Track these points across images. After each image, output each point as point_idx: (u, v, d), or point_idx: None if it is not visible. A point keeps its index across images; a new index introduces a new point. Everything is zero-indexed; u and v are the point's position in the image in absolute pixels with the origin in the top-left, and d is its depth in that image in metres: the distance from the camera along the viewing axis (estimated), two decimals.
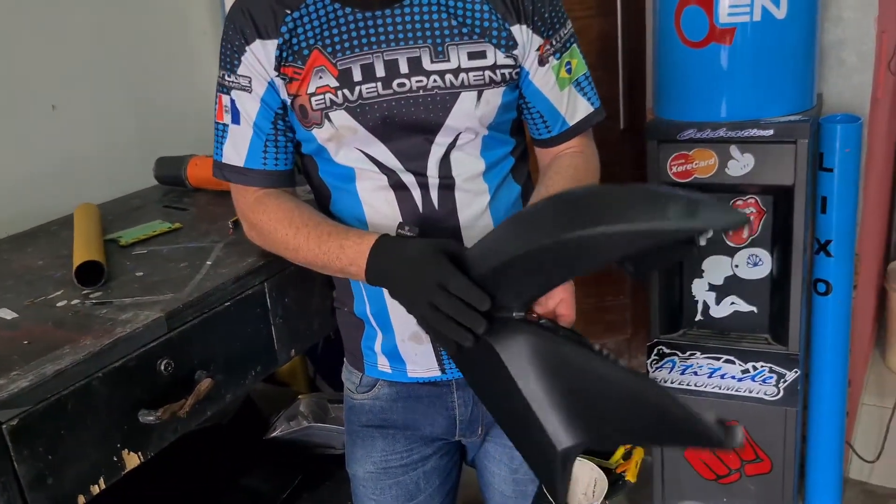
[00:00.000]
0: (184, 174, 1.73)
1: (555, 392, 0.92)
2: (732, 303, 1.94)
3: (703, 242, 0.88)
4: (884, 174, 2.37)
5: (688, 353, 1.97)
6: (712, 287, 1.94)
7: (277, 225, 1.16)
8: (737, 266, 1.90)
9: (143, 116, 1.87)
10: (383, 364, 1.24)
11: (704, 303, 1.96)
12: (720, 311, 1.95)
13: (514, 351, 0.94)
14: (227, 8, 1.89)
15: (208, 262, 1.31)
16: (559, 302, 1.00)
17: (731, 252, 1.89)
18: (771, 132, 1.72)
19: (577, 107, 1.20)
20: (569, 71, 1.18)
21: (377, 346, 1.23)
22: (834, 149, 1.78)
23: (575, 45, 1.18)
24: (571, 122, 1.20)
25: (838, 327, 1.94)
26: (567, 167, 1.19)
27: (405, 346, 1.20)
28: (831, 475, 2.10)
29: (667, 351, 1.99)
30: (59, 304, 1.18)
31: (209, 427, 1.76)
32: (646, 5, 2.20)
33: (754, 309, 1.93)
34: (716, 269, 1.91)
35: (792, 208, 1.77)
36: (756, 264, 1.88)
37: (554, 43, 1.15)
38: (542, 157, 1.25)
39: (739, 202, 1.85)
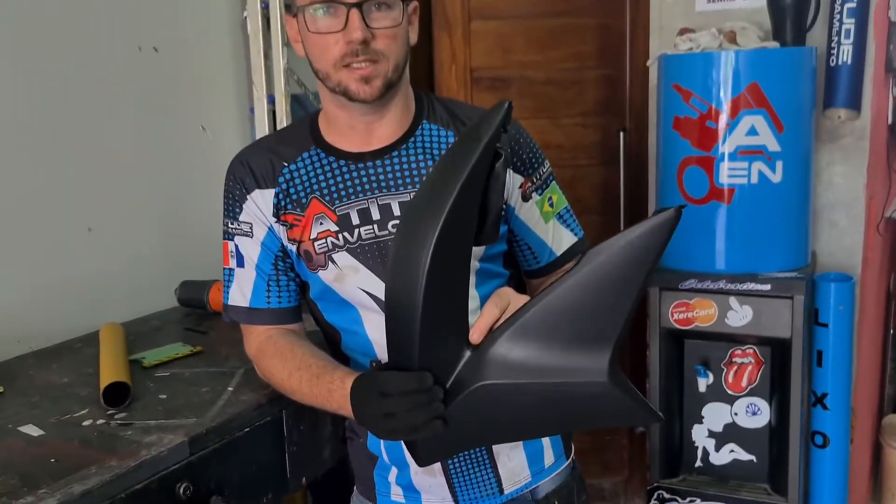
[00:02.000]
0: (205, 298, 1.80)
1: (555, 348, 0.91)
2: (732, 451, 1.97)
3: None
4: (876, 331, 2.45)
5: (688, 499, 1.97)
6: (712, 434, 1.97)
7: (274, 370, 1.23)
8: (736, 414, 1.94)
9: (170, 241, 1.96)
10: (397, 494, 1.26)
11: (704, 449, 1.99)
12: (720, 458, 1.98)
13: (499, 367, 0.92)
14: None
15: (230, 388, 1.36)
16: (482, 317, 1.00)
17: (730, 400, 1.93)
18: (768, 287, 1.80)
19: (562, 238, 1.29)
20: (551, 205, 1.27)
21: (391, 477, 1.26)
22: (829, 305, 1.86)
23: (554, 181, 1.29)
24: (558, 253, 1.28)
25: (836, 481, 1.96)
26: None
27: (419, 479, 1.23)
28: None
29: (667, 496, 1.99)
30: (85, 423, 1.22)
31: None
32: (648, 159, 2.34)
33: (753, 458, 1.96)
34: (715, 416, 1.95)
35: (789, 360, 1.83)
36: (755, 413, 1.92)
37: (535, 180, 1.25)
38: (531, 289, 1.32)
39: (738, 351, 1.91)
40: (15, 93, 1.60)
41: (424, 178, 1.21)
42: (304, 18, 1.14)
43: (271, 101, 2.05)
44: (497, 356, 0.93)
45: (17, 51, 1.60)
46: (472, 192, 0.91)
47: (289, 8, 1.23)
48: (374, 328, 1.24)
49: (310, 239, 1.21)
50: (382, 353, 1.24)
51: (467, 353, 0.95)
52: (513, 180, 1.23)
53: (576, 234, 1.30)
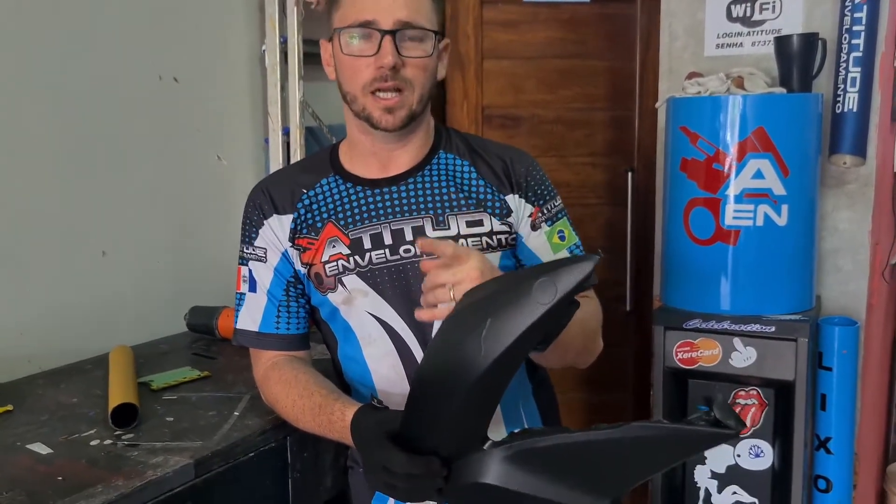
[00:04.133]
0: (214, 324, 1.82)
1: (562, 478, 0.95)
2: (734, 492, 1.95)
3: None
4: (881, 377, 2.44)
5: None
6: (714, 475, 1.96)
7: (279, 396, 1.25)
8: (738, 455, 1.93)
9: (181, 266, 1.99)
10: None
11: (706, 490, 1.98)
12: (722, 500, 1.96)
13: (505, 473, 0.96)
14: (271, 171, 2.06)
15: (236, 413, 1.37)
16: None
17: (733, 441, 1.93)
18: (773, 329, 1.81)
19: None
20: (562, 238, 1.30)
21: None
22: (833, 349, 1.87)
23: (565, 218, 1.31)
24: None
25: None
26: None
27: None
28: None
29: None
30: (93, 443, 1.24)
31: None
32: (656, 199, 2.37)
33: (756, 501, 1.94)
34: (718, 457, 1.95)
35: (793, 403, 1.83)
36: (758, 455, 1.91)
37: (545, 212, 1.28)
38: None
39: (742, 392, 1.91)
40: (36, 116, 1.64)
41: (438, 204, 1.23)
42: (339, 41, 1.19)
43: (286, 132, 2.09)
44: (508, 463, 0.96)
45: (38, 74, 1.64)
46: (538, 329, 0.90)
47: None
48: (373, 354, 1.26)
49: (321, 262, 1.24)
50: (379, 381, 1.27)
51: (482, 448, 0.98)
52: (523, 210, 1.26)
53: None
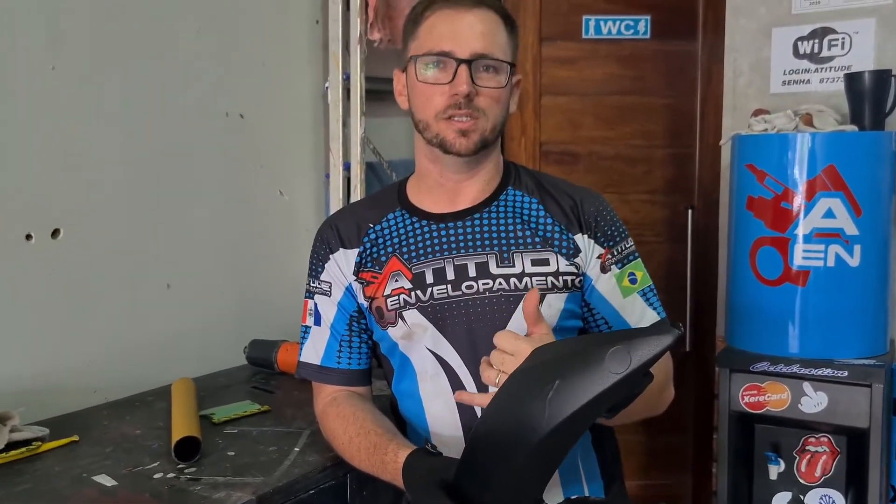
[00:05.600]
0: (273, 358, 1.82)
1: None
2: None
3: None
4: None
5: None
6: None
7: (337, 431, 1.24)
8: None
9: (242, 299, 2.00)
10: None
11: None
12: None
13: None
14: (332, 209, 2.08)
15: (296, 449, 1.36)
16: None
17: (803, 490, 1.86)
18: (845, 373, 1.75)
19: (644, 315, 1.25)
20: (633, 281, 1.26)
21: None
22: None
23: (638, 260, 1.28)
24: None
25: None
26: None
27: None
28: None
29: None
30: (156, 476, 1.23)
31: None
32: (719, 238, 2.32)
33: None
34: None
35: (867, 452, 1.76)
36: None
37: (615, 253, 1.25)
38: None
39: (812, 439, 1.84)
40: (104, 151, 1.67)
41: (503, 240, 1.22)
42: (415, 68, 1.19)
43: (347, 167, 2.11)
44: None
45: (108, 110, 1.68)
46: (607, 398, 0.88)
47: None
48: (429, 396, 1.24)
49: (383, 296, 1.24)
50: (433, 421, 1.25)
51: None
52: (592, 250, 1.24)
53: (659, 315, 1.28)
